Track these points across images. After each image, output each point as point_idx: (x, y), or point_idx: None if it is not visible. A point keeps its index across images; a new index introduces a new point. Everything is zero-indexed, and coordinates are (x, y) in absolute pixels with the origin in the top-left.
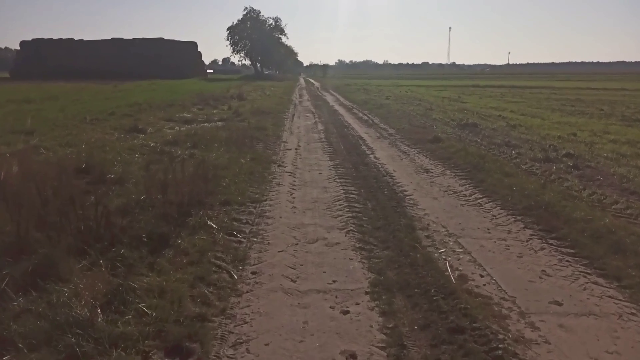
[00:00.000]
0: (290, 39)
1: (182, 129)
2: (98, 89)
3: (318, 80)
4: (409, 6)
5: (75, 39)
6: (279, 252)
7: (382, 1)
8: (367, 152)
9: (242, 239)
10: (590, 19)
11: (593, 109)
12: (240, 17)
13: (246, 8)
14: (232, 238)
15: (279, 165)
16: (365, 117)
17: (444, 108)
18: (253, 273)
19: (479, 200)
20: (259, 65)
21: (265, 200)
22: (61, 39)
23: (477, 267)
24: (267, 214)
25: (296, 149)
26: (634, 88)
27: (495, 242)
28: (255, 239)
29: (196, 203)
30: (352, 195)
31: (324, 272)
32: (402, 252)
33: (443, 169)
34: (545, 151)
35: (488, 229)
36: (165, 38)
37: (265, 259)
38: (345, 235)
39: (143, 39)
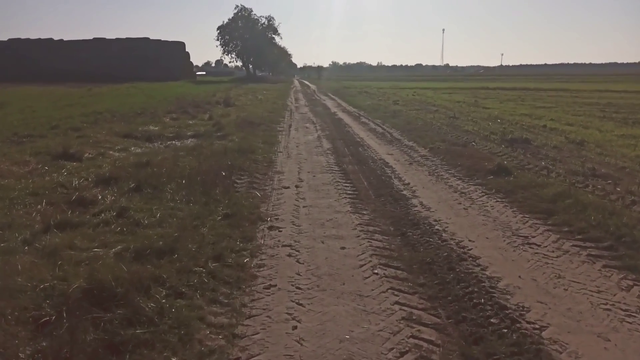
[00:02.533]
0: (284, 40)
1: (137, 151)
2: (66, 93)
3: (313, 82)
4: (402, 7)
5: (55, 39)
6: None
7: (375, 2)
8: (403, 191)
9: None
10: (582, 20)
11: None
12: (231, 16)
13: (237, 6)
14: None
15: (271, 228)
16: (380, 129)
17: (469, 115)
18: None
19: None
20: (251, 66)
21: None
22: (39, 39)
23: None
24: None
25: (297, 185)
26: None
27: None
28: None
29: None
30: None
31: None
32: None
33: (559, 240)
34: None
35: None
36: (151, 38)
37: None
38: None
39: (127, 38)
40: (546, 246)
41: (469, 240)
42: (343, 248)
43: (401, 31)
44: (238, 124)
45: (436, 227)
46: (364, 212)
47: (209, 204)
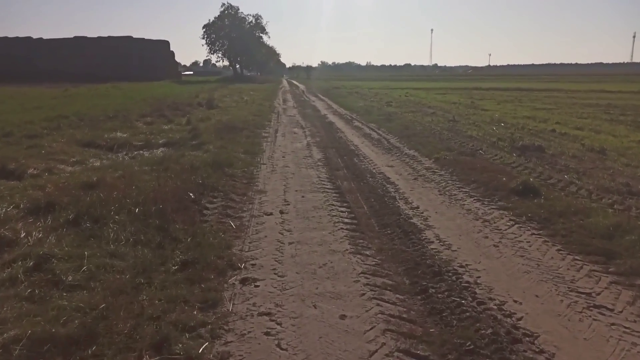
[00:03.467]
0: (273, 40)
1: (95, 165)
2: (40, 95)
3: (302, 82)
4: (391, 7)
5: (34, 37)
6: None
7: (363, 2)
8: (413, 218)
9: None
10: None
11: None
12: (217, 14)
13: (224, 4)
14: None
15: (244, 281)
16: (375, 134)
17: (469, 118)
18: None
19: None
20: (238, 66)
21: None
22: (18, 38)
23: None
24: None
25: (281, 211)
26: None
27: None
28: None
29: None
30: None
31: None
32: None
33: (636, 300)
34: None
35: None
36: (134, 37)
37: None
38: None
39: (109, 37)
40: (621, 311)
41: (515, 302)
42: (343, 317)
43: (390, 31)
44: (218, 130)
45: (465, 277)
46: (367, 253)
47: (163, 246)
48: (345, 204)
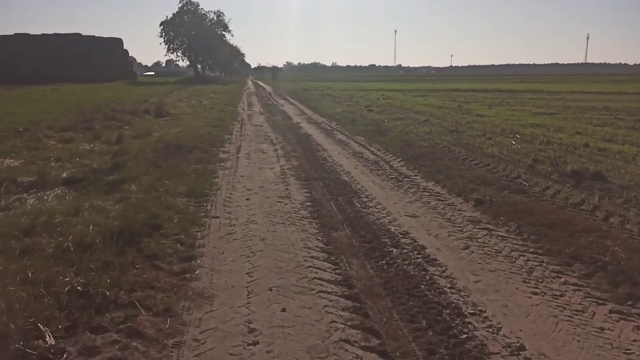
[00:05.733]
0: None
1: None
2: None
3: (268, 83)
4: (356, 8)
5: None
6: None
7: (329, 3)
8: None
9: None
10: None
11: None
12: (176, 10)
13: (182, 0)
14: None
15: None
16: (369, 154)
17: (473, 127)
18: None
19: None
20: (200, 66)
21: None
22: None
23: None
24: None
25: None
26: (634, 91)
27: None
28: None
29: None
30: None
31: None
32: None
33: None
34: None
35: None
36: (83, 34)
37: None
38: None
39: (55, 34)
40: None
41: None
42: None
43: (355, 32)
44: (156, 152)
45: None
46: None
47: None
48: (372, 334)
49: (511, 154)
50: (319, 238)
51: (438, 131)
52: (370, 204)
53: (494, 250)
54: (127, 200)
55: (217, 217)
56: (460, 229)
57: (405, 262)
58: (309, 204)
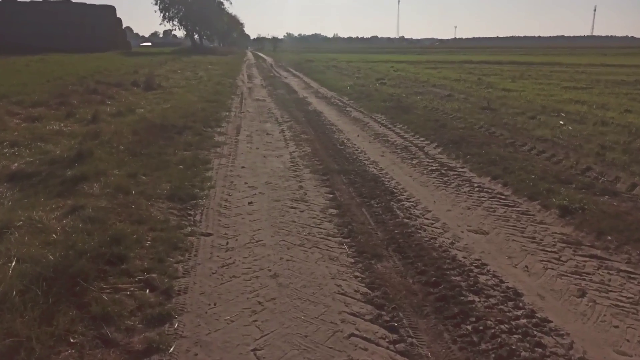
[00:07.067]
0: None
1: None
2: None
3: (269, 55)
4: None
5: None
6: None
7: None
8: None
9: None
10: None
11: None
12: None
13: None
14: None
15: None
16: (396, 137)
17: (507, 104)
18: None
19: None
20: (197, 36)
21: None
22: None
23: None
24: None
25: None
26: None
27: None
28: None
29: None
30: None
31: None
32: None
33: None
34: None
35: None
36: (74, 1)
37: None
38: None
39: (45, 1)
40: None
41: None
42: None
43: (357, 2)
44: (137, 134)
45: None
46: None
47: None
48: None
49: (567, 138)
50: (357, 274)
51: (467, 108)
52: (416, 212)
53: (625, 299)
54: (80, 212)
55: (209, 235)
56: (557, 256)
57: (502, 327)
58: (334, 211)
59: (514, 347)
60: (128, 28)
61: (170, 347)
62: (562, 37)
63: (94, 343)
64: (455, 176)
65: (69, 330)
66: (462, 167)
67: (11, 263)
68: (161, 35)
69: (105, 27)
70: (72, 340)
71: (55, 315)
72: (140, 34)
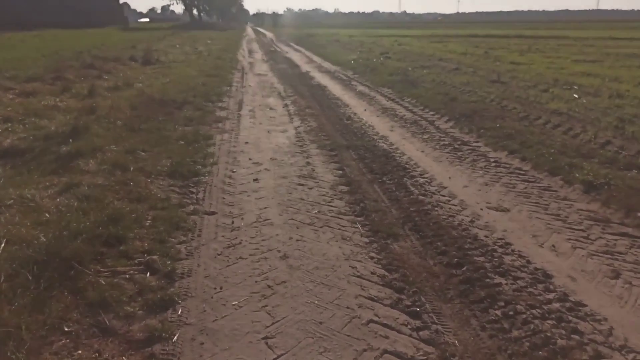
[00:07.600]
0: None
1: None
2: None
3: (269, 30)
4: None
5: None
6: None
7: None
8: None
9: None
10: None
11: None
12: None
13: None
14: None
15: None
16: (404, 111)
17: (517, 77)
18: None
19: None
20: (196, 11)
21: None
22: None
23: None
24: None
25: None
26: None
27: None
28: None
29: None
30: None
31: None
32: None
33: None
34: None
35: None
36: None
37: None
38: None
39: None
40: None
41: None
42: None
43: None
44: (135, 109)
45: None
46: None
47: None
48: None
49: (583, 111)
50: (373, 255)
51: (477, 81)
52: (431, 188)
53: None
54: (75, 190)
55: (213, 214)
56: (585, 235)
57: (534, 312)
58: (344, 188)
59: (548, 334)
60: (125, 4)
61: (174, 335)
62: (567, 11)
63: (90, 332)
64: (469, 151)
65: (63, 318)
66: (476, 142)
67: (0, 244)
68: (159, 11)
69: (102, 3)
70: (66, 329)
71: (47, 302)
72: (138, 10)
